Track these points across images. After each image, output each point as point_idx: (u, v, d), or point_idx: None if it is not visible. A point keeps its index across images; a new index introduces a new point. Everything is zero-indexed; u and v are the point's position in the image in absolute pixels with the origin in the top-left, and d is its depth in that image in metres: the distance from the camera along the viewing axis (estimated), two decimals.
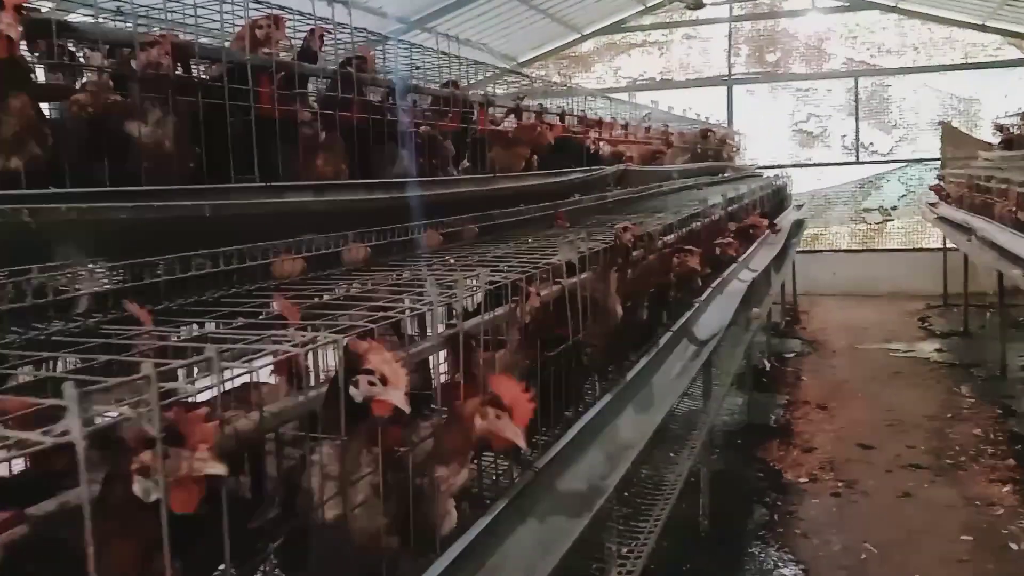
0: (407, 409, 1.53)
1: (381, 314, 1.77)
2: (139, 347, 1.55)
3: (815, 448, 7.81)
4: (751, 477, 7.22)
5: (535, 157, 5.25)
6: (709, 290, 5.44)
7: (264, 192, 2.57)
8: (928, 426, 8.29)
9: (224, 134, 2.67)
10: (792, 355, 11.38)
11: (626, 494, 6.10)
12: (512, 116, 5.25)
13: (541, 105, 5.27)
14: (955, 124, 15.64)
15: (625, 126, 7.30)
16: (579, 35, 17.65)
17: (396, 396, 1.52)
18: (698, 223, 5.31)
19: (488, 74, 6.23)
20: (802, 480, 7.11)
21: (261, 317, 1.90)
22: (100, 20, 2.69)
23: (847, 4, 16.35)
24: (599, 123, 6.47)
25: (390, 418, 1.57)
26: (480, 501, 2.29)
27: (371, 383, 1.53)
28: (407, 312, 1.79)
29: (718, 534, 6.08)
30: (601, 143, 6.67)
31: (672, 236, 4.81)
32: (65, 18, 2.18)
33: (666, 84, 17.42)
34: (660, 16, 17.53)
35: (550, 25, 16.58)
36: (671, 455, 6.32)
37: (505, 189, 4.35)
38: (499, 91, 6.38)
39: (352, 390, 1.54)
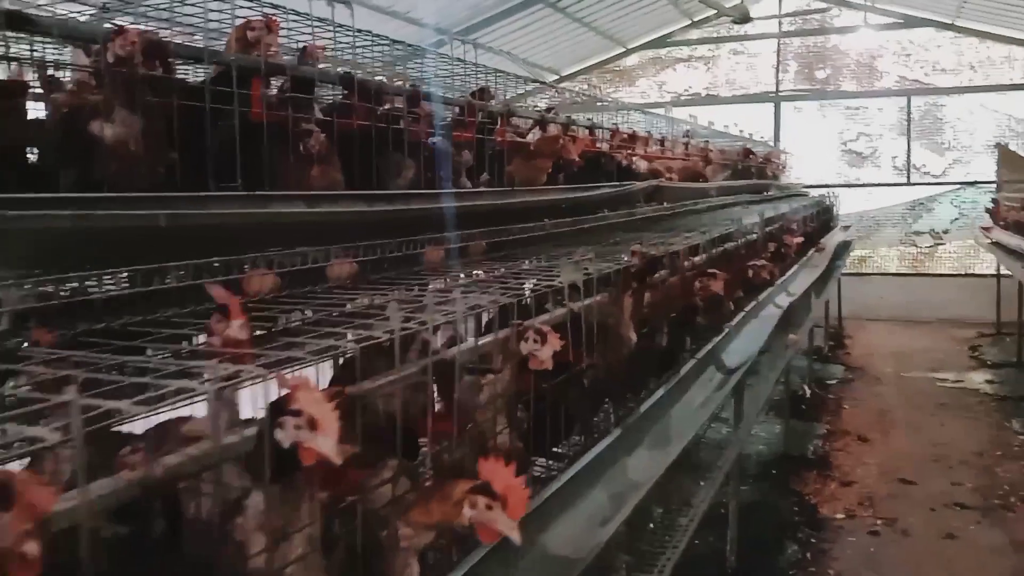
0: (336, 460, 1.31)
1: (329, 343, 1.56)
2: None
3: (854, 482, 7.43)
4: (784, 510, 6.88)
5: (561, 172, 5.05)
6: (742, 314, 5.17)
7: (246, 202, 2.37)
8: (976, 463, 7.87)
9: (207, 139, 2.50)
10: (834, 381, 10.96)
11: (651, 526, 5.83)
12: (537, 128, 5.05)
13: (568, 117, 5.04)
14: (1012, 147, 15.04)
15: (662, 141, 7.04)
16: (623, 49, 17.42)
17: (325, 444, 1.30)
18: (730, 244, 5.02)
19: (528, 87, 6.04)
20: (838, 516, 6.75)
21: (186, 348, 1.69)
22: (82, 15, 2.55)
23: (901, 21, 15.88)
24: (632, 137, 6.22)
25: (322, 466, 1.34)
26: (453, 545, 2.05)
27: (297, 427, 1.32)
28: (354, 345, 1.57)
29: (745, 570, 5.77)
30: (635, 158, 6.44)
31: (701, 256, 4.55)
32: (20, 9, 2.02)
33: (711, 100, 17.09)
34: (707, 31, 17.22)
35: (594, 39, 16.38)
36: (701, 483, 6.02)
37: (524, 203, 4.12)
38: (541, 104, 6.22)
39: (277, 433, 1.33)
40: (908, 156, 16.04)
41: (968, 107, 15.94)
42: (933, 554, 6.07)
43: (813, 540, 6.32)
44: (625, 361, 3.01)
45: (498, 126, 4.39)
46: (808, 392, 10.21)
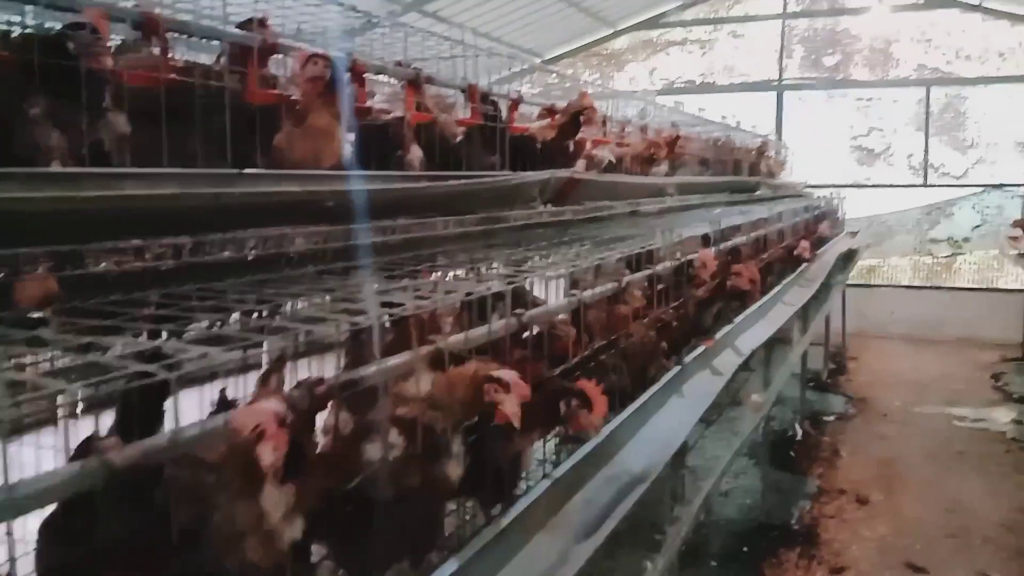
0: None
1: None
2: None
3: (846, 568, 5.75)
4: None
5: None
6: (677, 368, 3.51)
7: None
8: (1003, 540, 6.17)
9: None
10: (832, 418, 9.25)
11: None
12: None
13: (417, 70, 3.36)
14: None
15: (604, 121, 5.36)
16: (612, 30, 15.72)
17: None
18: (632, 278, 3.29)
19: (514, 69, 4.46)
20: None
21: None
22: None
23: (921, 1, 14.11)
24: (551, 111, 4.56)
25: None
26: None
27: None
28: None
29: None
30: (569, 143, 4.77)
31: (601, 290, 2.86)
32: None
33: (707, 88, 15.36)
34: (703, 10, 15.48)
35: (577, 16, 14.67)
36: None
37: (286, 196, 2.46)
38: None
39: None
40: (926, 154, 14.28)
41: (995, 100, 14.11)
42: None
43: None
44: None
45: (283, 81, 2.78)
46: (800, 431, 8.53)
